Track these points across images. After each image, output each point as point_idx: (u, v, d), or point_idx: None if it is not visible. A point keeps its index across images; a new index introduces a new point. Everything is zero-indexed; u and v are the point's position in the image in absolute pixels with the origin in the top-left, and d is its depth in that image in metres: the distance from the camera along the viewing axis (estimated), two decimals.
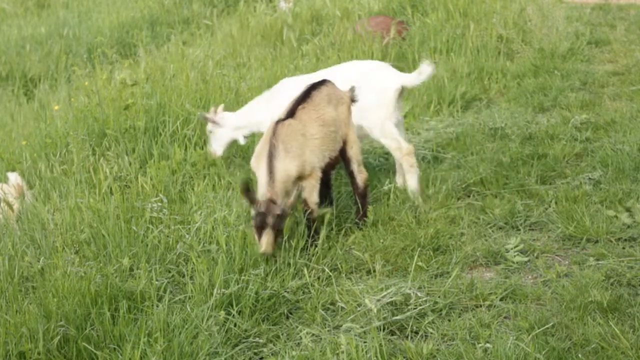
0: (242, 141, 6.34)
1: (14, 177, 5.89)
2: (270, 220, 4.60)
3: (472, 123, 7.30)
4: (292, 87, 6.02)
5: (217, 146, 6.40)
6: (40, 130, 7.32)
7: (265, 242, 4.60)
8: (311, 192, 5.02)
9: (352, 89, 5.43)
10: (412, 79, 5.91)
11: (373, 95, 5.76)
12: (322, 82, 5.28)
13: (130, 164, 6.29)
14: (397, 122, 5.95)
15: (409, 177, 5.76)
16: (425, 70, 5.86)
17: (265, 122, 6.00)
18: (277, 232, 4.64)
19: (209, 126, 6.42)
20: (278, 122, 4.95)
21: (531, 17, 10.18)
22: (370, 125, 5.80)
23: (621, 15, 11.42)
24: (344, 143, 5.31)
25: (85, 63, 10.41)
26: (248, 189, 4.67)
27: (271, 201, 4.65)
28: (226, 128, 6.33)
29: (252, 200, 4.69)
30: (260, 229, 4.62)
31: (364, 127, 5.81)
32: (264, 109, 6.10)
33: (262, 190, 4.74)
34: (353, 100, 5.41)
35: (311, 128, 5.04)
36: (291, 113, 5.05)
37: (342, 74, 5.85)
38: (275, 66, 8.82)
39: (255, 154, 4.99)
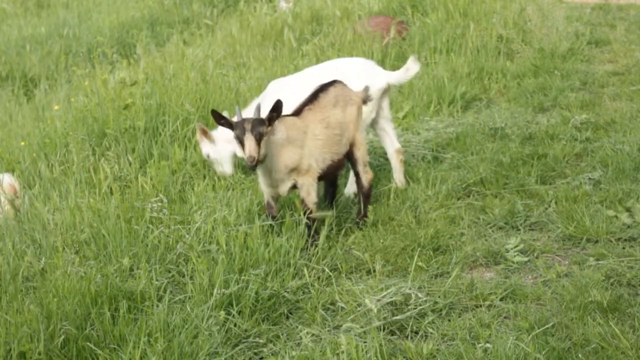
0: (239, 153, 6.20)
1: (7, 178, 5.88)
2: (247, 126, 4.65)
3: (472, 123, 7.30)
4: (279, 88, 6.02)
5: (225, 166, 6.23)
6: (40, 131, 7.33)
7: (247, 146, 4.64)
8: (309, 192, 5.02)
9: (366, 89, 5.41)
10: (398, 76, 5.90)
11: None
12: (331, 84, 5.27)
13: (130, 164, 6.29)
14: (386, 120, 5.97)
15: (353, 181, 5.77)
16: (412, 67, 5.86)
17: None
18: (259, 137, 4.67)
19: (204, 151, 6.24)
20: (282, 117, 4.95)
21: (531, 17, 10.18)
22: None
23: (621, 15, 11.42)
24: (351, 145, 5.30)
25: (85, 63, 10.42)
26: (221, 116, 4.72)
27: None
28: (221, 142, 6.15)
29: (229, 123, 4.74)
30: (241, 138, 4.68)
31: None
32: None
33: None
34: (365, 100, 5.40)
35: (315, 129, 5.04)
36: (297, 112, 5.06)
37: (328, 73, 5.81)
38: (275, 66, 8.83)
39: None
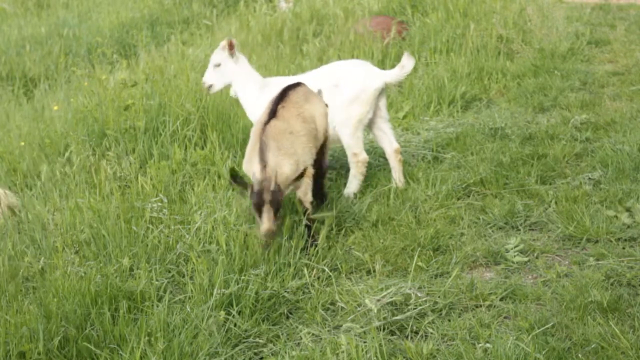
0: (232, 93, 6.15)
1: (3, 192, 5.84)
2: (267, 196, 4.59)
3: (472, 123, 7.30)
4: (281, 84, 6.04)
5: (215, 79, 6.09)
6: (40, 131, 7.33)
7: (266, 218, 4.59)
8: (306, 191, 5.02)
9: (320, 92, 5.44)
10: (394, 74, 5.93)
11: (353, 93, 5.77)
12: (297, 84, 5.29)
13: (130, 164, 6.29)
14: (383, 120, 5.98)
15: (352, 181, 5.86)
16: (407, 64, 5.89)
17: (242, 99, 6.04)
18: (276, 209, 4.61)
19: (217, 58, 6.06)
20: (264, 124, 4.91)
21: (531, 17, 10.18)
22: (343, 121, 5.79)
23: (621, 15, 11.42)
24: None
25: (85, 63, 10.41)
26: (236, 176, 4.64)
27: (264, 181, 4.64)
28: (229, 69, 6.03)
29: (243, 185, 4.67)
30: (259, 207, 4.60)
31: (337, 124, 5.81)
32: (250, 95, 6.01)
33: (256, 179, 4.71)
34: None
35: (295, 124, 5.00)
36: (272, 113, 5.01)
37: (326, 75, 5.88)
38: (276, 66, 8.82)
39: (245, 157, 4.95)
